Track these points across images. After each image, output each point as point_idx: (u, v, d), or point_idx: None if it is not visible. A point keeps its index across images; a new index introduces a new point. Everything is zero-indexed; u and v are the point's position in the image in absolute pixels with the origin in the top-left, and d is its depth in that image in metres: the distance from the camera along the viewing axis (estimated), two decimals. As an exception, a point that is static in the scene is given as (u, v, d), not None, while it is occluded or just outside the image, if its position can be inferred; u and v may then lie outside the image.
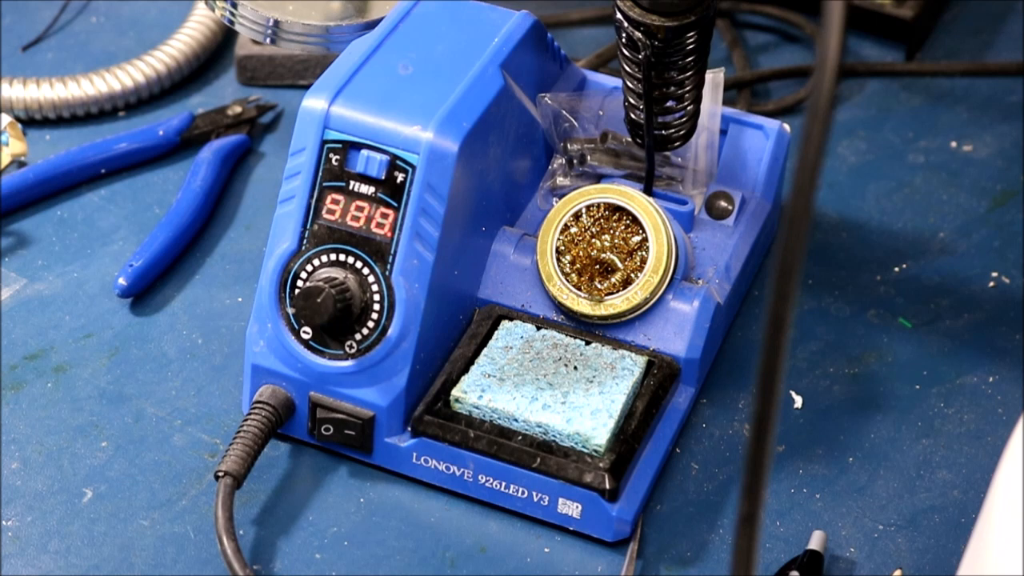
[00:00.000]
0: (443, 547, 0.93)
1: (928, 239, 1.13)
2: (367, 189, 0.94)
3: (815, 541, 0.92)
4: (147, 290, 1.07)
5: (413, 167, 0.92)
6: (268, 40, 1.02)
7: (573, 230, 0.99)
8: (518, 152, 1.02)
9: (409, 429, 0.95)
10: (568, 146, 1.05)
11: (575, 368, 0.96)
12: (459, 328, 0.99)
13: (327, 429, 0.95)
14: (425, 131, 0.92)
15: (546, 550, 0.94)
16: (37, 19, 1.28)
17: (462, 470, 0.94)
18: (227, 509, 0.90)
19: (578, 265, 0.98)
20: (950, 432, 1.00)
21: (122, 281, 1.06)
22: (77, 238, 1.11)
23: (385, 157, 0.93)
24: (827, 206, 1.15)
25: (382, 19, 1.00)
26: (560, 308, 0.99)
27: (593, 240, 0.98)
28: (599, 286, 0.98)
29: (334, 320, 0.92)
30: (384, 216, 0.93)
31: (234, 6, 1.02)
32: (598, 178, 1.06)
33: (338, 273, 0.93)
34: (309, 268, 0.94)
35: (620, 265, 0.98)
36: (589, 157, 1.05)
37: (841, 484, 0.97)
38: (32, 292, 1.07)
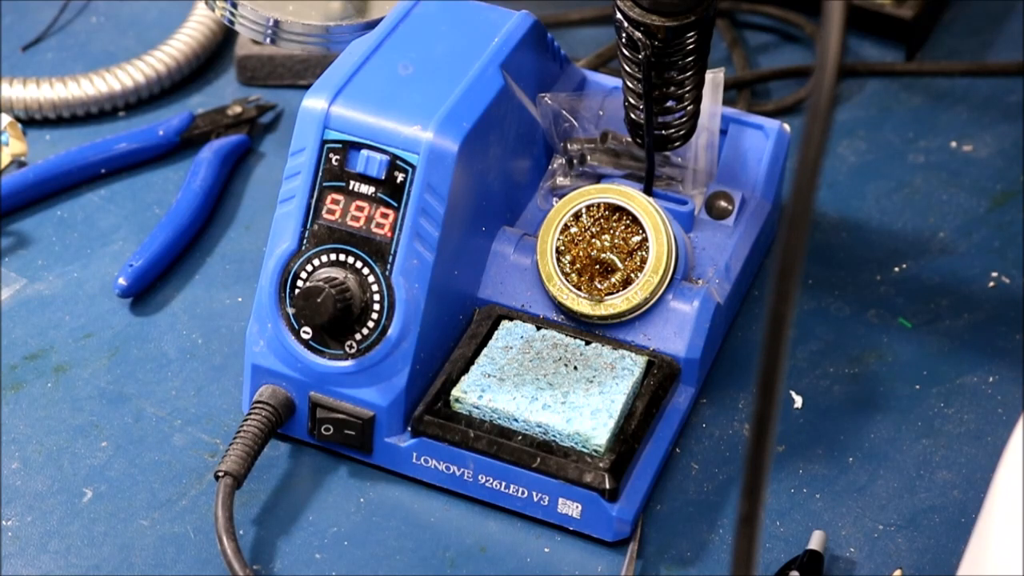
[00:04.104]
0: (443, 547, 0.93)
1: (928, 239, 1.13)
2: (367, 189, 0.94)
3: (815, 541, 0.92)
4: (147, 290, 1.07)
5: (413, 167, 0.92)
6: (268, 40, 1.02)
7: (573, 230, 0.99)
8: (518, 152, 1.02)
9: (409, 429, 0.95)
10: (568, 146, 1.05)
11: (575, 368, 0.96)
12: (459, 328, 0.99)
13: (327, 429, 0.95)
14: (425, 131, 0.92)
15: (546, 550, 0.94)
16: (37, 19, 1.28)
17: (462, 470, 0.94)
18: (227, 509, 0.90)
19: (578, 265, 0.98)
20: (950, 432, 1.00)
21: (122, 281, 1.06)
22: (77, 238, 1.11)
23: (385, 157, 0.93)
24: (827, 206, 1.15)
25: (382, 19, 1.00)
26: (560, 308, 0.99)
27: (593, 240, 0.98)
28: (599, 286, 0.98)
29: (334, 320, 0.92)
30: (384, 216, 0.93)
31: (234, 6, 1.02)
32: (598, 178, 1.06)
33: (338, 273, 0.93)
34: (309, 268, 0.94)
35: (620, 265, 0.98)
36: (589, 157, 1.05)
37: (841, 484, 0.97)
38: (32, 292, 1.07)
